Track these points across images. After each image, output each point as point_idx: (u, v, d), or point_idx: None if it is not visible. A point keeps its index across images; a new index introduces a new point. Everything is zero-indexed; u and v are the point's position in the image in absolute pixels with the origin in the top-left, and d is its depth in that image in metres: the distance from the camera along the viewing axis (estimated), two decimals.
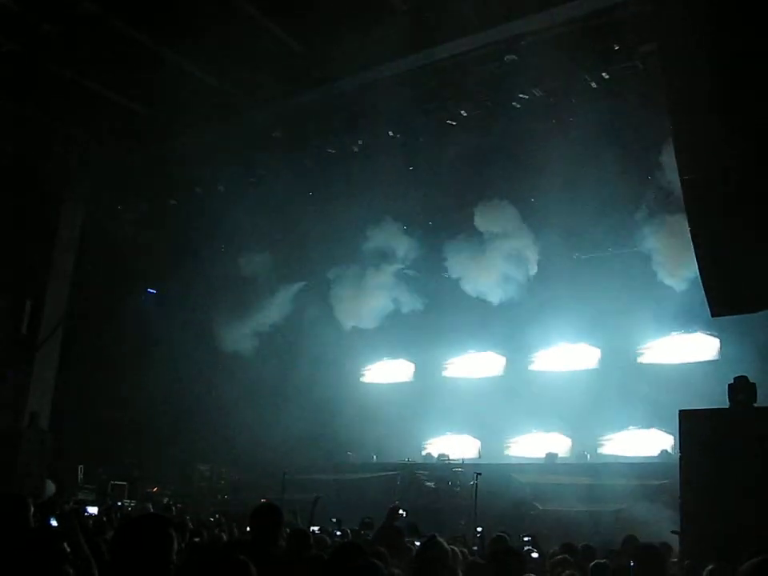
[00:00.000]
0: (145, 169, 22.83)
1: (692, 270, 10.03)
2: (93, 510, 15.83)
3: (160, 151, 22.11)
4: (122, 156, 22.39)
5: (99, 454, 22.57)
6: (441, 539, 6.30)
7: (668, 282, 19.74)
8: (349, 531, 12.35)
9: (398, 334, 24.53)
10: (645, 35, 15.23)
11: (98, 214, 23.25)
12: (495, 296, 21.90)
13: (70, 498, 18.67)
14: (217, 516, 15.92)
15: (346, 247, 23.31)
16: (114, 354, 23.51)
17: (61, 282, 22.42)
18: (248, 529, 6.74)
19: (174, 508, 17.38)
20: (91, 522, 11.40)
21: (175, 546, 4.07)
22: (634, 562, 6.52)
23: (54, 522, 6.13)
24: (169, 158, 22.11)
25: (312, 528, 12.07)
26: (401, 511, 8.28)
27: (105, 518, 12.76)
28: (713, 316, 11.30)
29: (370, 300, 23.42)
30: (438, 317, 23.53)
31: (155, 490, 22.82)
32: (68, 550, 5.17)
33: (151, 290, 26.85)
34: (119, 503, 19.70)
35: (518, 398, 22.60)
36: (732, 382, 14.01)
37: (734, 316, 13.94)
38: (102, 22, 17.20)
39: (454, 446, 23.75)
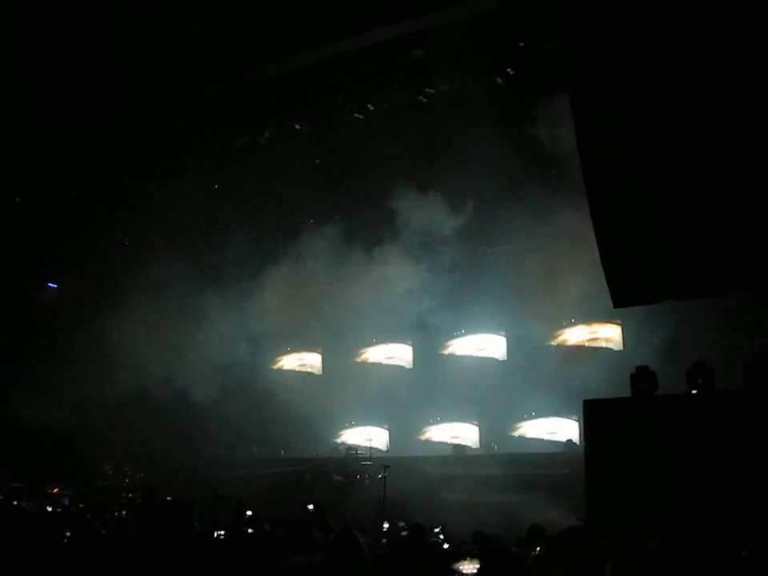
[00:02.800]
0: (43, 158, 22.14)
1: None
2: None
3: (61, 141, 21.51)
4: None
5: None
6: (355, 532, 6.26)
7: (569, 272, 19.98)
8: (267, 528, 12.19)
9: (308, 324, 24.24)
10: (549, 32, 15.46)
11: None
12: (403, 286, 21.82)
13: None
14: (124, 513, 15.63)
15: (253, 243, 22.94)
16: (8, 349, 22.70)
17: None
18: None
19: (64, 506, 16.91)
20: None
21: (57, 543, 3.95)
22: (543, 550, 6.61)
23: None
24: (68, 149, 21.51)
25: (218, 532, 11.87)
26: (309, 506, 8.24)
27: None
28: (615, 307, 11.53)
29: (278, 295, 23.10)
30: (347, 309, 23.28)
31: (56, 490, 22.15)
32: None
33: (52, 284, 26.04)
34: (15, 503, 19.07)
35: (427, 387, 22.64)
36: (634, 371, 14.36)
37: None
38: None
39: (362, 437, 23.65)
